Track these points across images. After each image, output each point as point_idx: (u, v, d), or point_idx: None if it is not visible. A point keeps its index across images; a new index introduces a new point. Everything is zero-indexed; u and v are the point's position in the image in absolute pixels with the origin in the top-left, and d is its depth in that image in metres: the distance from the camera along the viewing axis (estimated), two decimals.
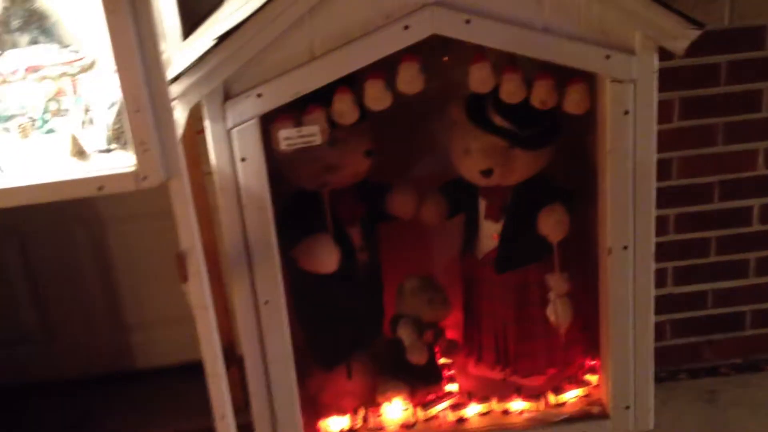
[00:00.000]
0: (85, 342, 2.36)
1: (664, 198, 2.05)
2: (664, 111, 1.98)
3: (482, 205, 1.85)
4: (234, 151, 1.55)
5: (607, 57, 1.54)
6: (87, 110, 1.44)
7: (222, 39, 1.47)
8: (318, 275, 1.75)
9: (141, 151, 1.24)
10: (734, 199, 2.08)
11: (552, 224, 1.73)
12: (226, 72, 1.50)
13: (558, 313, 1.79)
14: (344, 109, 1.61)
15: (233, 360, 2.00)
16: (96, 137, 1.38)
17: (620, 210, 1.64)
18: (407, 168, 1.98)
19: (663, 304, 2.13)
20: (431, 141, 1.94)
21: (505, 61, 1.62)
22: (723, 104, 2.01)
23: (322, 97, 1.60)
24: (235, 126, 1.54)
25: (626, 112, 1.57)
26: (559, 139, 1.77)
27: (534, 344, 1.88)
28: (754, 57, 1.98)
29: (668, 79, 1.92)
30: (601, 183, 1.66)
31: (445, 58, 1.80)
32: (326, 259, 1.73)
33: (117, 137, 1.36)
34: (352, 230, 1.84)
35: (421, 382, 1.91)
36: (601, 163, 1.64)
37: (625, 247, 1.66)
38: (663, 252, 2.09)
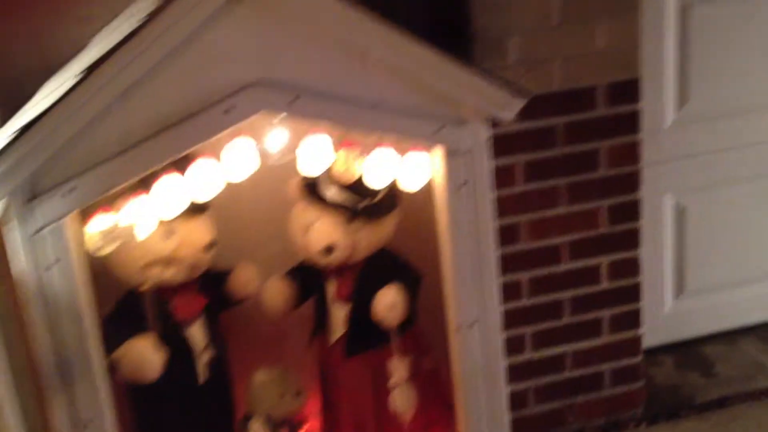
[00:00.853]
0: None
1: (516, 263, 2.04)
2: (508, 176, 1.99)
3: (331, 287, 1.77)
4: (45, 253, 1.40)
5: (439, 129, 1.51)
6: None
7: (24, 130, 1.34)
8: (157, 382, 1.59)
9: None
10: (582, 259, 2.09)
11: (385, 309, 1.65)
12: (31, 166, 1.36)
13: (397, 402, 1.70)
14: (171, 198, 1.50)
15: None
16: None
17: (463, 285, 1.58)
18: (252, 254, 1.88)
19: (524, 371, 2.10)
20: (277, 225, 1.84)
21: (339, 136, 1.57)
22: (563, 165, 2.03)
23: (147, 186, 1.49)
24: (45, 226, 1.39)
25: (461, 183, 1.54)
26: (399, 207, 1.73)
27: (396, 430, 1.78)
28: (588, 118, 2.02)
29: (510, 143, 1.94)
30: (443, 257, 1.61)
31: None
32: (144, 366, 1.56)
33: None
34: (193, 328, 1.70)
35: None
36: (441, 236, 1.60)
37: (472, 324, 1.60)
38: (519, 317, 2.07)
